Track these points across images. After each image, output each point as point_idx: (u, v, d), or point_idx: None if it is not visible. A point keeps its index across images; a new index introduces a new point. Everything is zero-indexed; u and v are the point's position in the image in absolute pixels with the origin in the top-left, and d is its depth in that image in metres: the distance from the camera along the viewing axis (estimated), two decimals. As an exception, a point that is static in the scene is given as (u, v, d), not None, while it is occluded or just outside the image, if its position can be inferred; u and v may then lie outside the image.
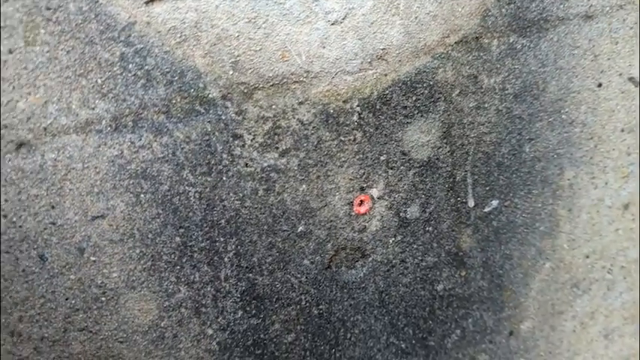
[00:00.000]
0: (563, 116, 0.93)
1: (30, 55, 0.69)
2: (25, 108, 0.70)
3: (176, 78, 0.75)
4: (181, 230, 0.79)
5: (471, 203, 0.92)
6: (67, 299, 0.77)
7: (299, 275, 0.86)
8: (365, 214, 0.87)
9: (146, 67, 0.73)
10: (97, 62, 0.71)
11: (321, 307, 0.88)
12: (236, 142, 0.79)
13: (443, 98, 0.86)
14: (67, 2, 0.68)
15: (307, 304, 0.87)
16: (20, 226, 0.73)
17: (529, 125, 0.92)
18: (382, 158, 0.86)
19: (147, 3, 0.71)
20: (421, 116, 0.86)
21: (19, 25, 0.67)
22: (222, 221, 0.81)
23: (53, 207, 0.74)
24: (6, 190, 0.72)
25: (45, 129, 0.72)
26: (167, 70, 0.74)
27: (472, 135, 0.89)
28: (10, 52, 0.68)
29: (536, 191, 0.95)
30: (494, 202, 0.93)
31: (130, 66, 0.72)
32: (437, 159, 0.89)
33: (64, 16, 0.69)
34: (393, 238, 0.89)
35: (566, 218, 0.98)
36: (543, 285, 0.99)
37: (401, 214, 0.89)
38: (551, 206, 0.96)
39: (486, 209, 0.93)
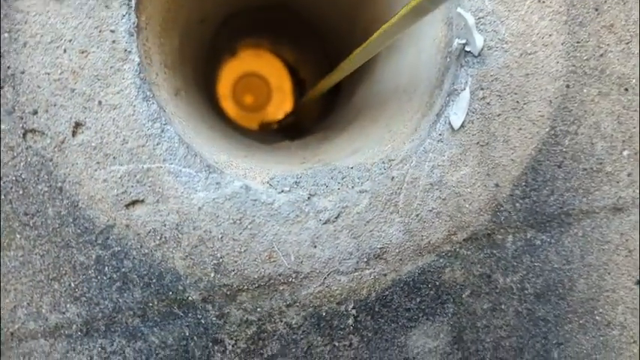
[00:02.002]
0: (597, 317, 0.81)
1: (4, 259, 0.67)
2: (-8, 313, 0.67)
3: (154, 280, 0.70)
4: None
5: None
6: None
7: None
8: None
9: (123, 270, 0.69)
10: (71, 266, 0.68)
11: None
12: (216, 347, 0.72)
13: (452, 300, 0.77)
14: (47, 207, 0.67)
15: None
16: None
17: (556, 328, 0.80)
18: (382, 366, 0.76)
19: (127, 206, 0.68)
20: (427, 319, 0.77)
21: (-4, 230, 0.66)
22: None
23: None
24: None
25: (12, 334, 0.68)
26: (145, 272, 0.70)
27: (488, 340, 0.79)
28: (-16, 257, 0.66)
29: (568, 407, 0.81)
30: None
31: (106, 269, 0.69)
32: (447, 367, 0.78)
33: (42, 221, 0.67)
34: None
35: None
36: None
37: None
38: None
39: None
